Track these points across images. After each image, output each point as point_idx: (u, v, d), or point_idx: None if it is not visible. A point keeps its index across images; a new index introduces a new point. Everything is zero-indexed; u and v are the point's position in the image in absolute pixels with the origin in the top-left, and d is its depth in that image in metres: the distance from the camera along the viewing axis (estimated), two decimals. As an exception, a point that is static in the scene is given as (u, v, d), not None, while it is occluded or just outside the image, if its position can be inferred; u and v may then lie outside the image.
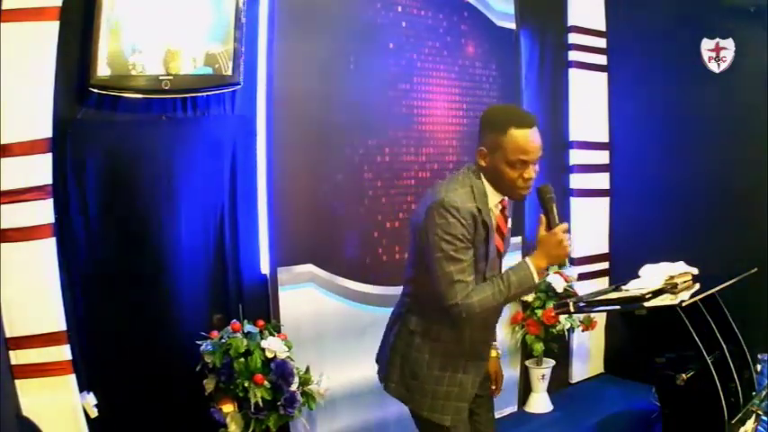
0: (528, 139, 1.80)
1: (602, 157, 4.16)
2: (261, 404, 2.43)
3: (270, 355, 2.49)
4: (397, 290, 2.10)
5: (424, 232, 1.85)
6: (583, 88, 4.05)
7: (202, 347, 2.49)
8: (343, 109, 2.97)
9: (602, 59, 4.13)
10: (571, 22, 4.01)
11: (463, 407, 1.96)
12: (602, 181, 4.17)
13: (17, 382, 2.18)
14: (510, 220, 2.03)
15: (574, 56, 4.02)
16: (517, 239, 3.67)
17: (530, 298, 3.59)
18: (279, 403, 2.48)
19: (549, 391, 3.76)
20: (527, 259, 1.85)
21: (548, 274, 1.95)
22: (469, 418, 2.07)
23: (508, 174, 1.82)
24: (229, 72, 2.58)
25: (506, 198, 1.94)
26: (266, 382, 2.46)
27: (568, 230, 1.86)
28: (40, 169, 2.20)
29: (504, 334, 3.63)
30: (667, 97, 3.86)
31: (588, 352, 4.14)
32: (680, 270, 2.62)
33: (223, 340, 2.49)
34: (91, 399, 2.35)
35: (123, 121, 2.50)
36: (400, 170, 3.16)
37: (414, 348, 1.96)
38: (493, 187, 1.89)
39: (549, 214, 1.86)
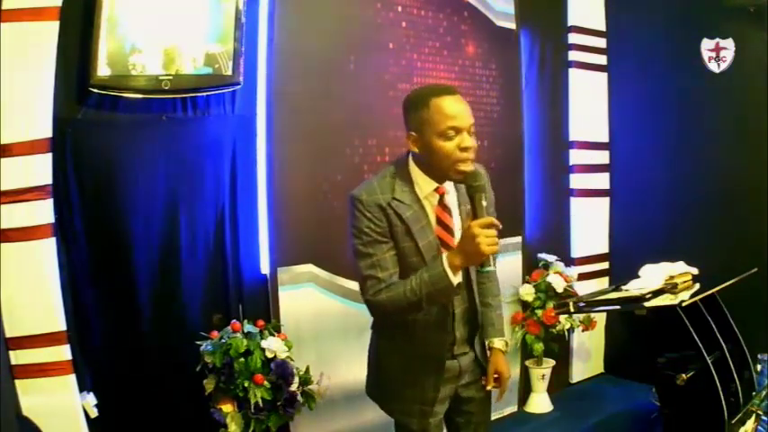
0: (452, 103, 1.70)
1: (602, 157, 4.16)
2: (261, 404, 2.43)
3: (270, 355, 2.49)
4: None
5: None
6: (583, 88, 4.05)
7: (202, 347, 2.49)
8: (343, 109, 2.97)
9: (602, 59, 4.13)
10: (571, 22, 4.00)
11: (427, 410, 1.87)
12: (602, 181, 4.16)
13: (17, 382, 2.18)
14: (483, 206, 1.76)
15: (574, 56, 4.01)
16: (517, 239, 3.68)
17: (530, 298, 3.60)
18: (279, 403, 2.48)
19: (549, 391, 3.76)
20: (443, 256, 1.66)
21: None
22: (461, 418, 1.98)
23: (444, 148, 1.69)
24: (229, 72, 2.58)
25: (445, 186, 1.80)
26: (266, 382, 2.45)
27: (494, 226, 1.61)
28: (40, 169, 2.21)
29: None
30: (667, 97, 3.86)
31: (588, 352, 4.14)
32: (680, 270, 2.62)
33: (223, 340, 2.49)
34: (91, 399, 2.36)
35: (123, 121, 2.50)
36: (400, 170, 3.16)
37: (377, 351, 1.96)
38: (427, 174, 1.77)
39: (474, 205, 1.68)
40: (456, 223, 1.84)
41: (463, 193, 1.80)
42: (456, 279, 1.64)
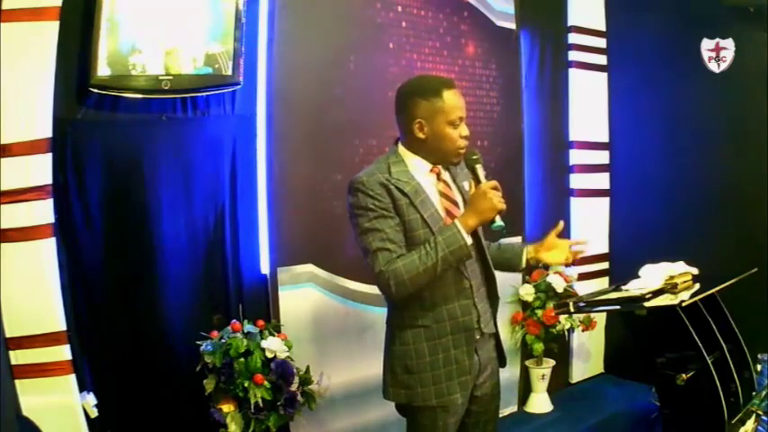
0: (459, 97, 1.90)
1: (602, 157, 4.16)
2: (261, 404, 2.43)
3: (270, 355, 2.49)
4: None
5: (350, 221, 1.90)
6: (583, 88, 4.05)
7: (202, 347, 2.49)
8: (343, 109, 2.97)
9: (602, 59, 4.13)
10: (571, 22, 4.01)
11: (468, 380, 1.91)
12: (602, 181, 4.17)
13: (17, 382, 2.18)
14: (466, 185, 2.01)
15: (574, 56, 4.02)
16: (517, 239, 3.68)
17: (530, 298, 3.60)
18: (279, 403, 2.48)
19: (549, 391, 3.76)
20: (455, 220, 1.83)
21: (502, 229, 1.84)
22: (469, 419, 1.99)
23: (450, 134, 1.88)
24: (229, 72, 2.58)
25: (440, 166, 1.95)
26: (266, 382, 2.46)
27: (497, 189, 1.84)
28: (40, 169, 2.21)
29: (504, 334, 3.63)
30: (667, 97, 3.86)
31: (588, 352, 4.15)
32: (680, 270, 2.62)
33: (223, 340, 2.49)
34: (91, 399, 2.36)
35: (123, 121, 2.50)
36: (400, 170, 3.16)
37: (398, 343, 1.93)
38: (423, 157, 1.92)
39: (475, 174, 1.91)
40: (457, 197, 1.98)
41: (455, 174, 2.01)
42: (468, 239, 1.80)
